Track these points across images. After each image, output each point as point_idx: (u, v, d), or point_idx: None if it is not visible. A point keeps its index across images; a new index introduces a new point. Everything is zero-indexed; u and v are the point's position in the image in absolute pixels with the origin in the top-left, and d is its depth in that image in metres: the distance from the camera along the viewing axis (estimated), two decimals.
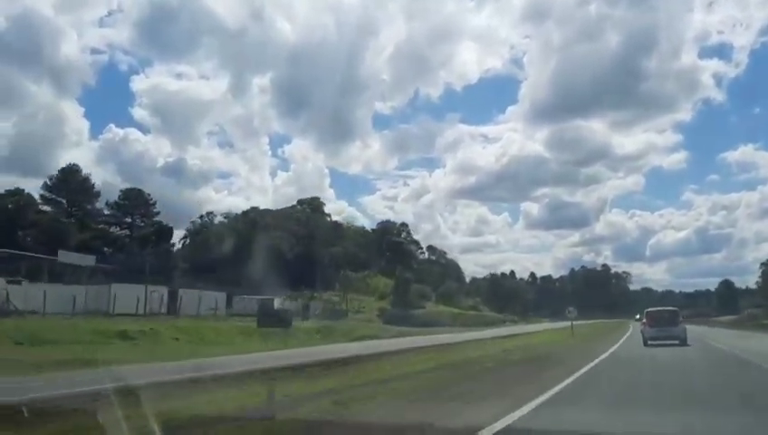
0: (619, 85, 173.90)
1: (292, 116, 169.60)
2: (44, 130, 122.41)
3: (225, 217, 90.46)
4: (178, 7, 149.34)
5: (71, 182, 79.77)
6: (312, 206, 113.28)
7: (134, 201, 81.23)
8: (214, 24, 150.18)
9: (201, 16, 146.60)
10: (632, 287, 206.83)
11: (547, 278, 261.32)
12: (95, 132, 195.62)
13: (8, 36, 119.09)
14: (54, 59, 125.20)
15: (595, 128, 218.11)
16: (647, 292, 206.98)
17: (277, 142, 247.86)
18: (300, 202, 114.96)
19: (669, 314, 32.71)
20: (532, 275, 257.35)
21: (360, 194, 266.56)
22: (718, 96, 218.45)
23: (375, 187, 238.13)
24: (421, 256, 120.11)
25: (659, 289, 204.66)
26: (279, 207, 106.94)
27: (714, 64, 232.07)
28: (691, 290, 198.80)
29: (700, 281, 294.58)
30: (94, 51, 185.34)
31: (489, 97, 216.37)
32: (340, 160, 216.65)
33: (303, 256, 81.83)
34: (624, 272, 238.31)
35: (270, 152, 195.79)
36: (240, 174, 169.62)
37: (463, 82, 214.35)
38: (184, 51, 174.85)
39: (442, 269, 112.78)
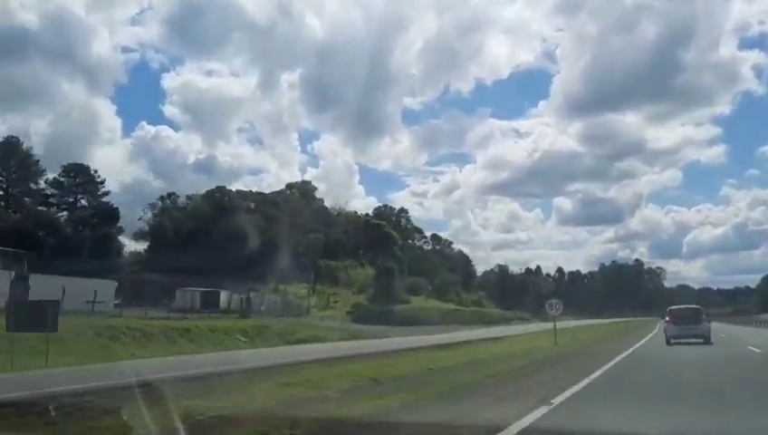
0: (656, 77, 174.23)
1: (321, 112, 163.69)
2: (77, 127, 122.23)
3: (188, 199, 78.89)
4: (208, 4, 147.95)
5: (9, 158, 68.97)
6: (302, 190, 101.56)
7: (76, 178, 70.08)
8: (243, 20, 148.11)
9: (231, 13, 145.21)
10: (667, 285, 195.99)
11: (575, 274, 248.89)
12: (127, 130, 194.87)
13: (42, 35, 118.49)
14: (87, 57, 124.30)
15: (630, 121, 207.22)
16: (683, 289, 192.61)
17: (306, 138, 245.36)
18: (289, 186, 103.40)
19: (692, 312, 31.34)
20: (560, 270, 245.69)
21: (390, 190, 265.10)
22: (758, 88, 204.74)
23: (404, 183, 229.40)
24: (425, 247, 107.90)
25: (696, 286, 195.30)
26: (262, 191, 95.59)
27: (754, 56, 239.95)
28: (730, 287, 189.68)
29: (739, 278, 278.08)
30: (126, 49, 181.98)
31: (520, 91, 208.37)
32: (370, 156, 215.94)
33: (274, 242, 69.99)
34: (658, 267, 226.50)
35: (299, 148, 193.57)
36: (270, 170, 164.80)
37: (494, 75, 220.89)
38: (214, 48, 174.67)
39: (443, 260, 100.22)
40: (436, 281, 78.48)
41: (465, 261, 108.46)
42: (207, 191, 78.43)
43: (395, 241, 79.01)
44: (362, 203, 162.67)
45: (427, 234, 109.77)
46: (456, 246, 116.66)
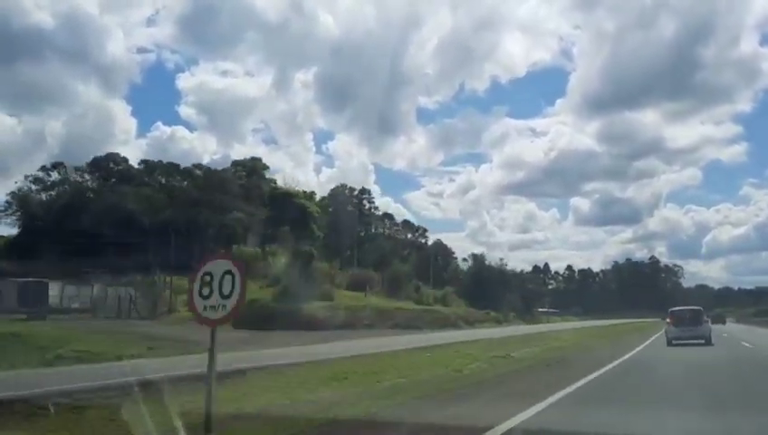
0: (675, 75, 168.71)
1: (335, 111, 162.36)
2: (93, 128, 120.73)
3: (76, 171, 61.82)
4: (223, 5, 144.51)
5: None
6: (249, 168, 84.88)
7: None
8: (257, 20, 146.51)
9: (245, 13, 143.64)
10: (685, 284, 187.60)
11: (587, 272, 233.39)
12: (142, 130, 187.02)
13: (58, 35, 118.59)
14: (102, 58, 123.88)
15: (648, 120, 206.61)
16: (701, 289, 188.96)
17: (321, 138, 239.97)
18: (235, 163, 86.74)
19: (693, 313, 31.36)
20: (569, 268, 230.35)
21: (405, 190, 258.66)
22: None
23: (420, 183, 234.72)
24: (399, 236, 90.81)
25: (716, 286, 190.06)
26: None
27: None
28: (751, 287, 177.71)
29: (760, 279, 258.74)
30: (141, 49, 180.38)
31: (537, 89, 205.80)
32: (384, 156, 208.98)
33: (175, 225, 53.88)
34: (675, 265, 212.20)
35: (314, 148, 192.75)
36: (285, 170, 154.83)
37: (510, 74, 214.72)
38: (229, 48, 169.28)
39: (417, 250, 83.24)
40: (388, 274, 61.57)
41: (444, 252, 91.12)
42: (94, 159, 61.73)
43: (312, 218, 61.86)
44: (378, 203, 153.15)
45: (399, 219, 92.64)
46: (434, 236, 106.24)
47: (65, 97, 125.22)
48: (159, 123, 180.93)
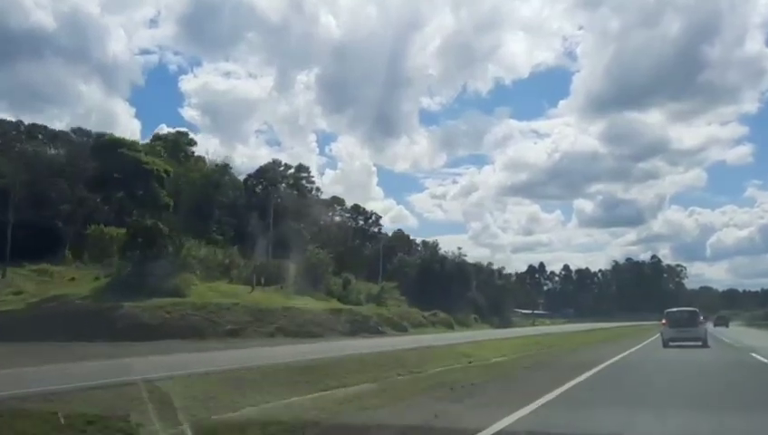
0: (679, 75, 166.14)
1: (338, 113, 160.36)
2: (97, 130, 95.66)
3: None
4: (225, 6, 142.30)
5: None
6: (173, 143, 70.60)
7: None
8: (260, 21, 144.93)
9: (247, 15, 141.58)
10: (689, 286, 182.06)
11: (584, 272, 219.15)
12: (146, 132, 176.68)
13: (60, 37, 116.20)
14: (104, 60, 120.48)
15: (653, 120, 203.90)
16: (705, 290, 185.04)
17: (324, 140, 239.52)
18: (156, 138, 72.31)
19: (689, 314, 31.28)
20: (566, 268, 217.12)
21: (408, 192, 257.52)
22: None
23: (423, 185, 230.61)
24: (350, 224, 76.03)
25: (720, 289, 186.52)
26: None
27: None
28: (757, 289, 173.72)
29: (766, 281, 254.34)
30: (144, 51, 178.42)
31: (540, 90, 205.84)
32: (387, 158, 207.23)
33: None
34: (678, 265, 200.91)
35: (317, 150, 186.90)
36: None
37: (513, 75, 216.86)
38: (231, 49, 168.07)
39: (365, 241, 68.64)
40: (303, 264, 47.14)
41: (404, 243, 75.94)
42: None
43: (153, 178, 46.91)
44: (380, 205, 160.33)
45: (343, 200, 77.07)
46: (393, 225, 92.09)
47: (69, 98, 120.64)
48: (163, 125, 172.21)
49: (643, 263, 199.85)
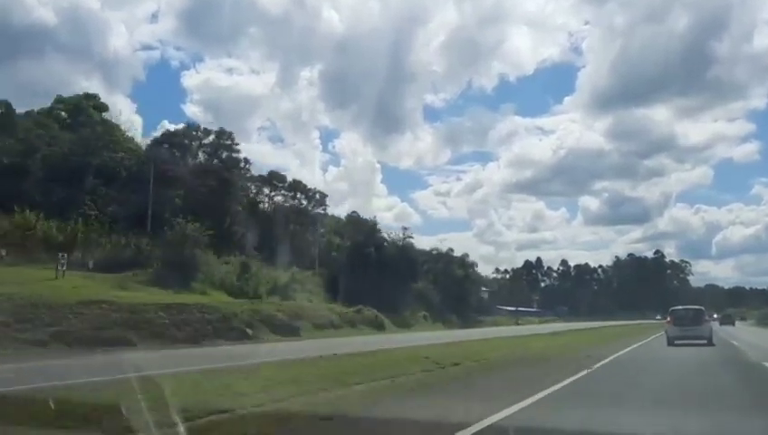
0: (686, 70, 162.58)
1: (341, 109, 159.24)
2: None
3: None
4: (227, 1, 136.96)
5: None
6: (75, 108, 58.34)
7: None
8: (262, 17, 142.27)
9: (249, 10, 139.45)
10: (695, 284, 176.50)
11: (583, 268, 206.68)
12: (148, 129, 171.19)
13: (60, 33, 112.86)
14: (106, 55, 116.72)
15: (659, 117, 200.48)
16: (711, 288, 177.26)
17: (327, 136, 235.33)
18: (58, 101, 60.03)
19: (694, 312, 30.80)
20: (564, 263, 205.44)
21: (412, 189, 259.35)
22: None
23: (427, 182, 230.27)
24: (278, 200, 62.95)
25: (726, 287, 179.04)
26: None
27: None
28: (764, 287, 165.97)
29: None
30: (146, 46, 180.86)
31: (545, 87, 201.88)
32: (391, 155, 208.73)
33: None
34: (682, 261, 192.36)
35: (320, 147, 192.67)
36: (291, 169, 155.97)
37: (518, 71, 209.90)
38: (234, 45, 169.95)
39: (289, 220, 55.70)
40: (168, 246, 35.00)
41: (360, 228, 62.30)
42: None
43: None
44: (384, 203, 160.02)
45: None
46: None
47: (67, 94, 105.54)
48: (165, 121, 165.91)
49: (646, 259, 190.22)
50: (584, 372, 14.69)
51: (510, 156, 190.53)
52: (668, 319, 30.53)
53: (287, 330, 31.99)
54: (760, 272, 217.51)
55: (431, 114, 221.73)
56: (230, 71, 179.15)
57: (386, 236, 56.06)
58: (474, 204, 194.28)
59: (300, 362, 16.50)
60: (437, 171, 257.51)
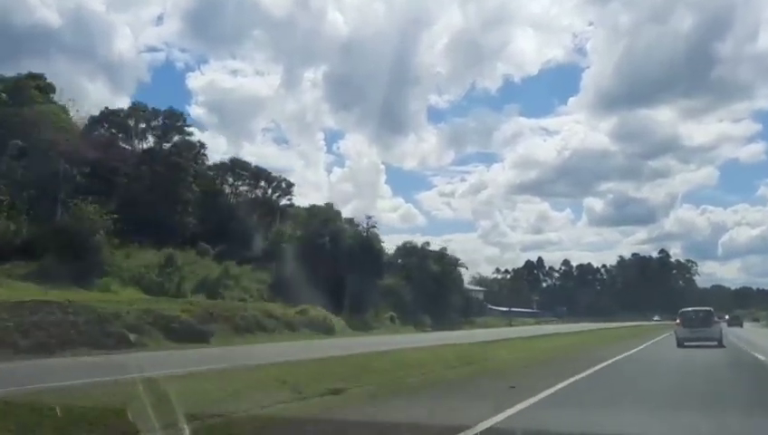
0: (691, 71, 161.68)
1: (345, 110, 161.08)
2: None
3: None
4: (231, 3, 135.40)
5: None
6: (10, 86, 52.09)
7: None
8: (266, 18, 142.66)
9: (253, 12, 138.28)
10: (700, 285, 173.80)
11: (586, 268, 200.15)
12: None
13: (65, 34, 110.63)
14: (110, 57, 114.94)
15: (664, 117, 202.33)
16: (717, 289, 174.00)
17: (332, 138, 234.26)
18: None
19: (704, 314, 30.87)
20: (566, 262, 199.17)
21: (417, 190, 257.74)
22: None
23: (431, 183, 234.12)
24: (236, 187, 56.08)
25: (733, 287, 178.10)
26: None
27: None
28: None
29: None
30: (150, 48, 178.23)
31: (550, 88, 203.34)
32: (395, 156, 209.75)
33: None
34: (688, 261, 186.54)
35: (325, 148, 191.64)
36: (295, 170, 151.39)
37: (522, 72, 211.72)
38: (238, 47, 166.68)
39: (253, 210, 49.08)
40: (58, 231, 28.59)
41: (330, 216, 54.34)
42: None
43: None
44: (388, 204, 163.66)
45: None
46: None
47: (72, 96, 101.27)
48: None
49: (650, 258, 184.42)
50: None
51: (514, 157, 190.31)
52: (678, 320, 30.54)
53: (192, 335, 25.69)
54: (766, 273, 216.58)
55: (435, 115, 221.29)
56: (235, 72, 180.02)
57: (346, 226, 49.37)
58: (478, 205, 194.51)
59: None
60: (442, 172, 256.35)
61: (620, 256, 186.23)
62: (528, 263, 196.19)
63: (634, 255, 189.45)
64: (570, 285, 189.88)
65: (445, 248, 63.56)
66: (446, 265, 58.98)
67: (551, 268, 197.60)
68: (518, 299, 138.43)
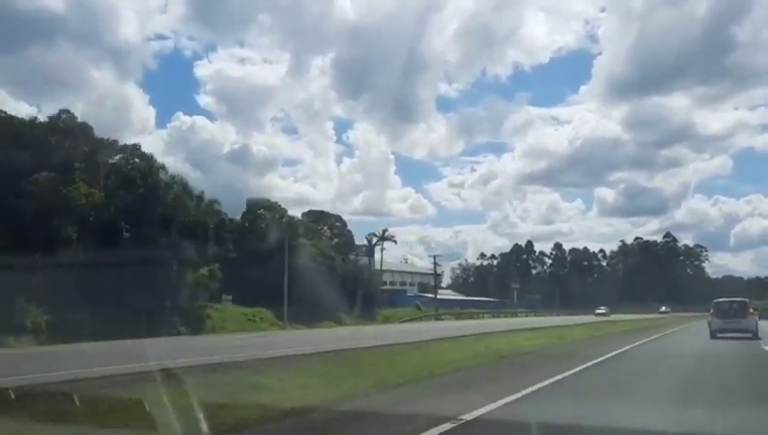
0: (706, 57, 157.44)
1: (353, 99, 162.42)
2: (113, 117, 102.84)
3: None
4: None
5: None
6: None
7: None
8: (274, 5, 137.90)
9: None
10: (712, 275, 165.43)
11: (581, 253, 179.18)
12: (162, 120, 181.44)
13: (71, 21, 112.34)
14: (117, 45, 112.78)
15: (677, 105, 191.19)
16: (728, 280, 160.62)
17: (341, 127, 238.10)
18: None
19: (738, 304, 30.85)
20: (558, 246, 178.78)
21: (426, 180, 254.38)
22: None
23: (441, 173, 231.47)
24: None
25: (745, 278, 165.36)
26: None
27: None
28: None
29: None
30: (159, 36, 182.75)
31: (561, 76, 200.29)
32: (404, 145, 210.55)
33: None
34: (697, 245, 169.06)
35: (335, 137, 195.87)
36: (305, 161, 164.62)
37: (533, 60, 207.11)
38: (246, 34, 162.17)
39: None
40: None
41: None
42: None
43: None
44: (398, 194, 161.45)
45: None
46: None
47: (80, 84, 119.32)
48: (180, 113, 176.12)
49: (655, 243, 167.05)
50: None
51: (525, 146, 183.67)
52: (711, 311, 30.86)
53: None
54: None
55: (445, 104, 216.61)
56: (243, 61, 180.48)
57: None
58: (488, 195, 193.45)
59: None
60: (452, 162, 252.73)
61: (622, 241, 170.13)
62: (516, 247, 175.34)
63: (637, 239, 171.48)
64: (563, 272, 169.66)
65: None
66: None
67: (541, 253, 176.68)
68: (500, 288, 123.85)
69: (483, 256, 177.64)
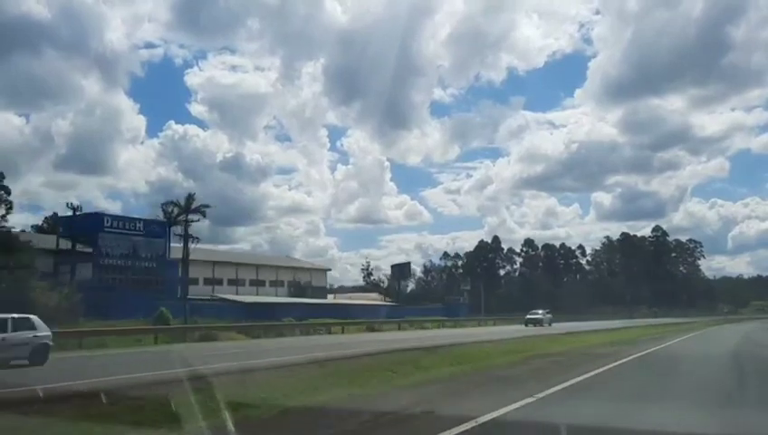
0: (702, 58, 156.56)
1: (346, 105, 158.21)
2: (101, 127, 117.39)
3: None
4: None
5: None
6: None
7: None
8: (265, 10, 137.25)
9: (250, 4, 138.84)
10: (709, 276, 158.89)
11: (555, 250, 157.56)
12: (153, 128, 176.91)
13: (60, 30, 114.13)
14: (106, 53, 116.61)
15: (673, 107, 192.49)
16: (726, 280, 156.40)
17: (335, 135, 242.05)
18: None
19: None
20: (529, 242, 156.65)
21: (422, 187, 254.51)
22: None
23: (437, 180, 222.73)
24: None
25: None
26: None
27: None
28: None
29: None
30: (148, 44, 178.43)
31: (555, 80, 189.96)
32: (398, 151, 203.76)
33: None
34: (690, 240, 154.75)
35: (328, 144, 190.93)
36: (299, 169, 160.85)
37: (527, 64, 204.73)
38: (236, 41, 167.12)
39: None
40: None
41: None
42: None
43: None
44: (394, 201, 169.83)
45: None
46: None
47: (69, 94, 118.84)
48: (172, 122, 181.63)
49: (643, 239, 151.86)
50: None
51: (520, 151, 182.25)
52: None
53: None
54: None
55: (439, 110, 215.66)
56: (234, 68, 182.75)
57: None
58: (485, 201, 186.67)
59: None
60: (447, 168, 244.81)
61: (607, 237, 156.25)
62: (481, 244, 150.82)
63: (623, 234, 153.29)
64: (536, 273, 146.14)
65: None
66: None
67: (510, 250, 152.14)
68: (450, 292, 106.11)
69: (446, 255, 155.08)
